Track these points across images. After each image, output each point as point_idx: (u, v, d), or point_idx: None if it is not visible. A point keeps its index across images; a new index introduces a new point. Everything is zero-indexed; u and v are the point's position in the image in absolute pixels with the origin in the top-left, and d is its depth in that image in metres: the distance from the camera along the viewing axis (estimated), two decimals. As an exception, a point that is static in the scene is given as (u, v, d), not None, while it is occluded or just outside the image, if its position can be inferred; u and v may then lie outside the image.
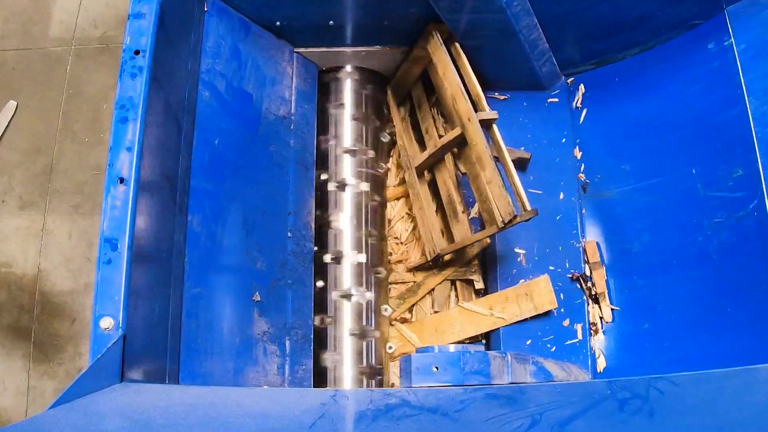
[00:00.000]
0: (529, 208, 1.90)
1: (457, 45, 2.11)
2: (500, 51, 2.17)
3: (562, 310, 2.08)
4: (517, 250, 2.18)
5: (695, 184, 1.92)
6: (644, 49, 2.13)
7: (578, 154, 2.23)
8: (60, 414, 1.20)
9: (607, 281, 2.06)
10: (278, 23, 2.14)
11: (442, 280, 2.28)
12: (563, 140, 2.26)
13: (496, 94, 2.36)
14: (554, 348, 2.04)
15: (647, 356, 1.92)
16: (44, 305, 2.82)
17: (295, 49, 2.26)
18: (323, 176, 2.26)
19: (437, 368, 1.47)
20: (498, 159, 2.00)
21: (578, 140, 2.23)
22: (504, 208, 1.93)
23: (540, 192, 2.22)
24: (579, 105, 2.26)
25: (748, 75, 1.83)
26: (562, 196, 2.21)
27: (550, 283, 2.03)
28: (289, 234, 2.08)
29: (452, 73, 2.06)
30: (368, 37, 2.23)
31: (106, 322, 1.37)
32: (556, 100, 2.31)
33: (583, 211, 2.18)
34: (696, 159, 1.93)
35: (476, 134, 1.98)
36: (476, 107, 2.03)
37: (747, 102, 1.81)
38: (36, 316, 2.81)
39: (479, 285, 2.24)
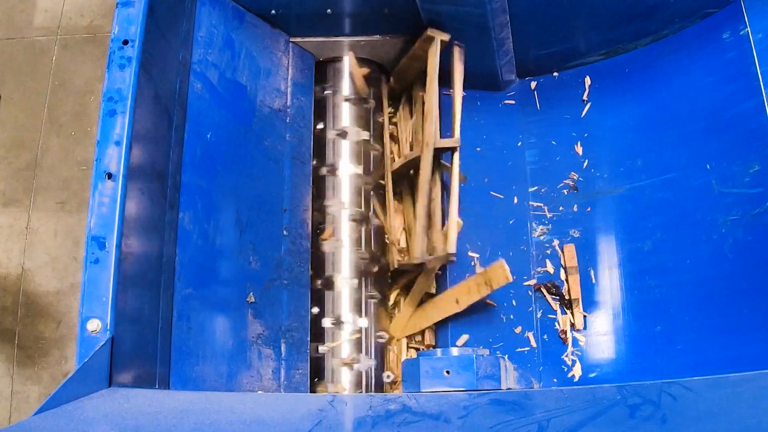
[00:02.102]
0: (451, 251, 1.97)
1: (457, 51, 2.14)
2: (469, 46, 2.18)
3: (512, 317, 2.11)
4: (470, 254, 2.21)
5: (709, 179, 1.92)
6: (656, 38, 2.13)
7: (579, 150, 2.23)
8: (45, 420, 1.20)
9: (620, 282, 2.06)
10: (273, 12, 2.13)
11: (397, 292, 2.31)
12: (519, 143, 2.31)
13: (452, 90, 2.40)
14: (506, 356, 2.06)
15: (659, 360, 1.92)
16: (29, 307, 2.82)
17: (291, 39, 2.26)
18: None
19: (449, 372, 1.47)
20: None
21: (586, 134, 2.23)
22: (413, 252, 2.02)
23: (501, 196, 2.27)
24: (585, 98, 2.26)
25: (764, 65, 1.83)
26: (516, 200, 2.25)
27: (504, 263, 2.03)
28: (284, 232, 2.08)
29: (434, 90, 2.08)
30: (367, 25, 2.22)
31: (94, 325, 1.36)
32: (513, 102, 2.36)
33: (574, 208, 2.19)
34: (710, 154, 1.93)
35: (425, 162, 2.03)
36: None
37: (764, 94, 1.80)
38: (20, 318, 2.81)
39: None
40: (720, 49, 1.96)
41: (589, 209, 2.16)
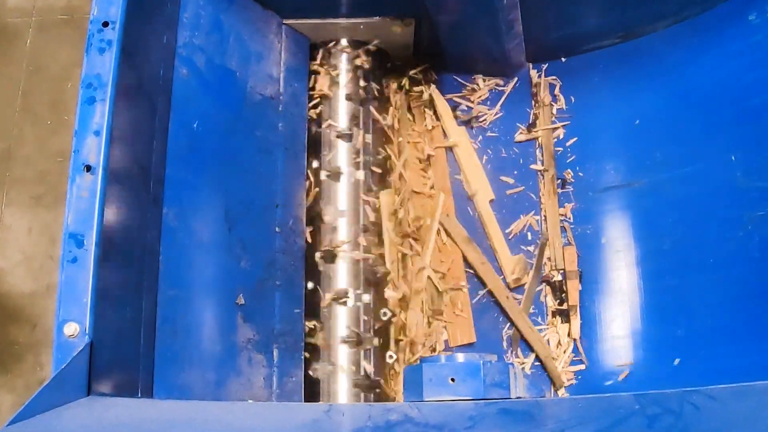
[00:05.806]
0: None
1: None
2: (475, 29, 2.17)
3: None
4: None
5: (734, 172, 1.91)
6: (677, 20, 2.12)
7: (588, 141, 2.24)
8: (18, 431, 1.20)
9: (637, 282, 2.06)
10: (265, -9, 2.13)
11: None
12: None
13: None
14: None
15: (680, 366, 1.92)
16: (1, 309, 2.81)
17: (284, 21, 2.25)
18: None
19: (454, 380, 1.46)
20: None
21: (599, 124, 2.23)
22: None
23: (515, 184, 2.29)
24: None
25: (795, 50, 1.83)
26: (522, 195, 2.29)
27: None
28: (277, 229, 2.07)
29: None
30: (366, 6, 2.21)
31: (71, 329, 1.36)
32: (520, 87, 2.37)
33: (586, 204, 2.20)
34: (735, 144, 1.92)
35: None
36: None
37: (793, 80, 1.81)
38: (-8, 322, 2.80)
39: None
40: (746, 32, 1.95)
41: (603, 205, 2.16)
